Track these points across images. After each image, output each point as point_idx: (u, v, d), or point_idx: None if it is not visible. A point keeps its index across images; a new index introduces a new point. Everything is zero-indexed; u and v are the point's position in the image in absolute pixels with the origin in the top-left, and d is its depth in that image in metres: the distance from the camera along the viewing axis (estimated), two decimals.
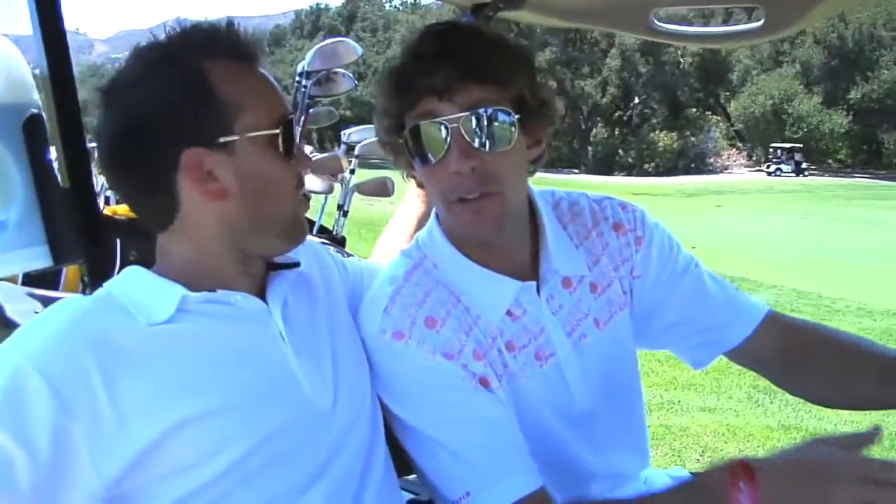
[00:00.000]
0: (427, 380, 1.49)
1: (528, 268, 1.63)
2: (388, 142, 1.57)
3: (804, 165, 53.61)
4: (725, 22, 36.17)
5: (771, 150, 55.23)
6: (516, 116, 1.47)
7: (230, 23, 1.42)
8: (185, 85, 1.33)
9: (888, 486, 1.19)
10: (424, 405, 1.49)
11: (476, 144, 1.44)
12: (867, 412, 6.47)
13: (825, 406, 1.85)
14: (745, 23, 2.30)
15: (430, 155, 1.47)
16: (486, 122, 1.44)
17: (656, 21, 2.35)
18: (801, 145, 53.41)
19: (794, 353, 1.74)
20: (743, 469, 1.23)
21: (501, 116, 1.45)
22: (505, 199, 1.49)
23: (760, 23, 2.17)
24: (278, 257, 1.51)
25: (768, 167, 54.32)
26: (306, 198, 1.48)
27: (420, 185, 1.63)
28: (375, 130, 1.60)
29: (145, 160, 1.36)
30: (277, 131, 1.37)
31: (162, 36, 1.39)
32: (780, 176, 50.72)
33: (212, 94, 1.33)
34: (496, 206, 1.48)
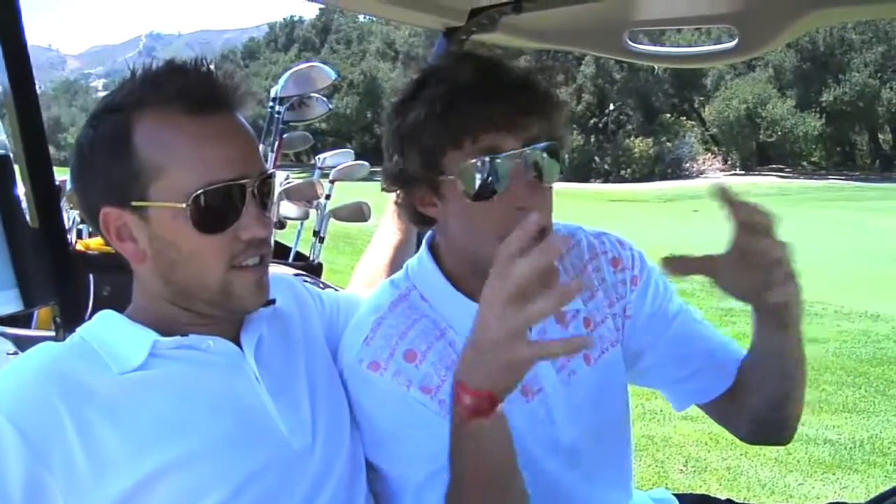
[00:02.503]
0: (397, 412, 1.47)
1: None
2: (424, 177, 1.48)
3: None
4: (697, 29, 36.42)
5: None
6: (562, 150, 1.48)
7: (192, 64, 1.33)
8: (110, 140, 1.30)
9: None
10: (387, 438, 1.49)
11: (538, 179, 1.43)
12: (847, 415, 6.53)
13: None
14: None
15: (494, 189, 1.41)
16: (545, 155, 1.44)
17: (629, 42, 2.36)
18: None
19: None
20: (457, 384, 1.24)
21: (554, 149, 1.45)
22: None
23: (734, 43, 2.18)
24: None
25: None
26: (260, 261, 1.38)
27: (427, 221, 1.57)
28: (402, 165, 1.49)
29: (81, 203, 1.37)
30: (182, 206, 1.28)
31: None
32: None
33: (131, 153, 1.28)
34: None
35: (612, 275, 1.70)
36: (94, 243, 2.97)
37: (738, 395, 1.65)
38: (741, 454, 5.71)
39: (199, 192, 1.27)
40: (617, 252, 1.73)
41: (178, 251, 1.31)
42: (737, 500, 2.03)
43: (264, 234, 1.35)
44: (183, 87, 1.29)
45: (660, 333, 1.70)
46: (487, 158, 1.40)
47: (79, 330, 1.38)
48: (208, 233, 1.29)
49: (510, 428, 1.29)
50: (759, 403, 1.61)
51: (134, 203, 1.29)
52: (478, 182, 1.41)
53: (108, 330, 1.36)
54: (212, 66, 1.34)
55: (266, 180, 1.36)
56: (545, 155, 1.44)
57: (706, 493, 2.10)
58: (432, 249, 1.62)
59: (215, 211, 1.29)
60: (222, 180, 1.29)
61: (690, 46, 2.54)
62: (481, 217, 1.45)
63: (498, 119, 1.40)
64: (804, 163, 51.41)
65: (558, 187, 1.51)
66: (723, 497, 2.05)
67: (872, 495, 1.33)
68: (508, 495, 1.34)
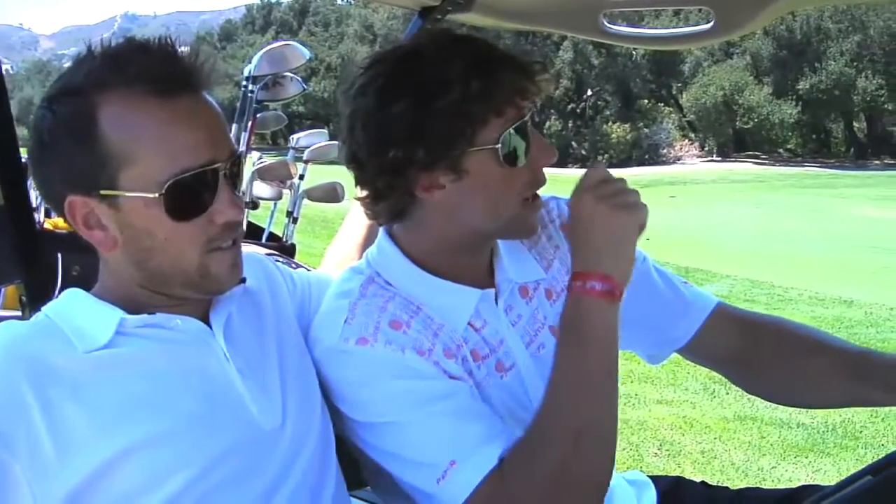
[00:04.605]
0: (398, 376, 1.40)
1: (486, 277, 1.59)
2: (444, 158, 1.42)
3: None
4: (677, 14, 36.46)
5: None
6: None
7: (155, 42, 1.27)
8: (72, 125, 1.24)
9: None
10: (397, 398, 1.40)
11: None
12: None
13: (783, 405, 1.86)
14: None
15: (523, 155, 1.46)
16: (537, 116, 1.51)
17: (606, 22, 2.34)
18: None
19: (747, 351, 1.75)
20: (580, 276, 1.40)
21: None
22: None
23: (710, 24, 2.17)
24: None
25: None
26: (233, 242, 1.36)
27: (401, 214, 1.52)
28: (411, 152, 1.41)
29: (43, 191, 1.35)
30: (155, 195, 1.24)
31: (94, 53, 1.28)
32: None
33: (97, 139, 1.23)
34: None
35: (565, 241, 1.67)
36: (63, 222, 2.92)
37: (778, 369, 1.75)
38: (715, 437, 5.76)
39: (172, 180, 1.23)
40: (567, 216, 1.71)
41: (154, 238, 1.28)
42: (711, 483, 2.03)
43: (239, 218, 1.33)
44: (146, 67, 1.24)
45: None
46: (526, 121, 1.45)
47: (44, 308, 1.35)
48: (183, 220, 1.26)
49: None
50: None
51: (102, 192, 1.25)
52: (520, 147, 1.45)
53: (73, 308, 1.34)
54: (176, 45, 1.29)
55: (236, 161, 1.34)
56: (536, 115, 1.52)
57: (680, 475, 2.09)
58: (391, 237, 1.59)
59: (190, 198, 1.26)
60: (195, 167, 1.25)
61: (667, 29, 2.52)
62: (511, 181, 1.47)
63: (524, 85, 1.44)
64: (780, 150, 51.79)
65: None
66: (697, 479, 2.05)
67: (844, 478, 1.34)
68: (615, 395, 1.39)
